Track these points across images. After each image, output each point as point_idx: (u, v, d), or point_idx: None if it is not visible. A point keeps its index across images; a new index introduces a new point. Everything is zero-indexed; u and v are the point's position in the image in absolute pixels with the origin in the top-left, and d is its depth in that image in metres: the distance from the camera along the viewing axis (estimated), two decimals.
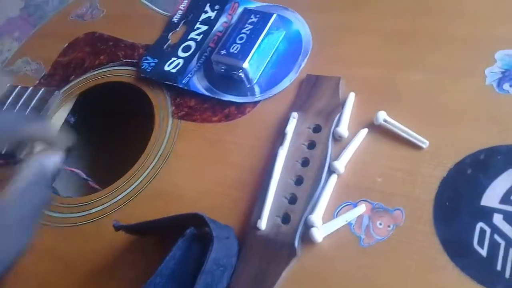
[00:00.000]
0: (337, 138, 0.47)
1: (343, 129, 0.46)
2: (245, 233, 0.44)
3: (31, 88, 0.64)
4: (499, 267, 0.37)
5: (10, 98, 0.64)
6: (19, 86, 0.65)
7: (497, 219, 0.39)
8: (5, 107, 0.63)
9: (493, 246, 0.38)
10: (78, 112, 0.66)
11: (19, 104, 0.63)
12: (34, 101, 0.63)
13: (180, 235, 0.42)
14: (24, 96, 0.64)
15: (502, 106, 0.43)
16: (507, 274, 0.36)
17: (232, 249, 0.42)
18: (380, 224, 0.41)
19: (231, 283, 0.42)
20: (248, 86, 0.54)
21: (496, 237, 0.38)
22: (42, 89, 0.64)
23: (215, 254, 0.39)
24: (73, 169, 0.58)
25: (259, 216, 0.44)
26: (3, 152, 0.59)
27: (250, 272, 0.42)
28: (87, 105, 0.66)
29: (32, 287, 0.50)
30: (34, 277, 0.50)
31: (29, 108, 0.62)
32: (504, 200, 0.39)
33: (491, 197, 0.40)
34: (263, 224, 0.43)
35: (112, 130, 0.72)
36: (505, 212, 0.39)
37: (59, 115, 0.64)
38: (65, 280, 0.49)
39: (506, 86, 0.44)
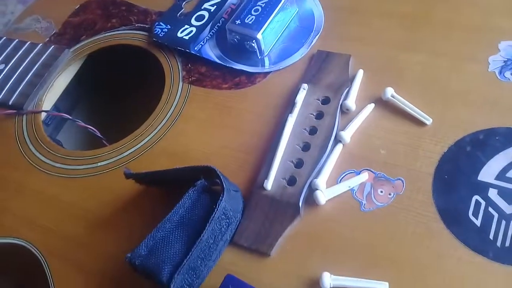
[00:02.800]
0: (344, 111, 0.49)
1: (351, 102, 0.48)
2: (250, 193, 0.46)
3: (41, 44, 0.65)
4: (491, 236, 0.39)
5: (19, 52, 0.64)
6: (28, 42, 0.65)
7: (492, 193, 0.41)
8: (12, 61, 0.63)
9: (487, 217, 0.40)
10: (87, 73, 0.66)
11: (28, 60, 0.64)
12: (44, 57, 0.63)
13: (188, 187, 0.43)
14: (33, 52, 0.64)
15: (502, 91, 0.46)
16: (499, 243, 0.39)
17: (238, 204, 0.44)
18: (381, 191, 0.43)
19: (235, 238, 0.43)
20: (260, 57, 0.56)
21: (490, 209, 0.40)
22: (52, 46, 0.64)
23: (224, 204, 0.40)
24: (88, 126, 0.58)
25: (265, 177, 0.45)
26: (10, 103, 0.60)
27: (253, 228, 0.44)
28: (97, 66, 0.67)
29: (33, 236, 0.50)
30: (38, 224, 0.51)
31: (38, 63, 0.63)
32: (500, 176, 0.42)
33: (488, 173, 0.42)
34: (269, 184, 0.45)
35: (121, 93, 0.72)
36: (500, 188, 0.41)
37: (67, 74, 0.64)
38: (70, 228, 0.49)
39: (507, 74, 0.47)
